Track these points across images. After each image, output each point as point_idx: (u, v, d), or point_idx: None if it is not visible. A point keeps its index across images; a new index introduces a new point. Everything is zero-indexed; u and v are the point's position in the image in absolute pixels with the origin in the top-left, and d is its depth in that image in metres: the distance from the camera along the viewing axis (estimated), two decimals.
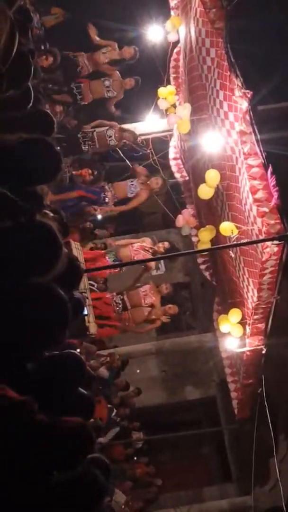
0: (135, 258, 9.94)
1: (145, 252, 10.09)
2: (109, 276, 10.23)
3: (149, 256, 10.07)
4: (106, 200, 10.31)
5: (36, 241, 2.40)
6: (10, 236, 2.40)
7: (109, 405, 10.00)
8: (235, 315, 7.68)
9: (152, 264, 10.76)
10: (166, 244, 10.39)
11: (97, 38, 10.36)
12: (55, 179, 3.04)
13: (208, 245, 8.21)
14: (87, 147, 10.22)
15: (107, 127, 10.37)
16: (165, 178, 10.62)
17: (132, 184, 10.43)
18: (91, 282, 9.30)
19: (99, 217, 10.68)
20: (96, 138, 10.23)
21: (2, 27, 2.04)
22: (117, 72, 10.32)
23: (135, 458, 11.35)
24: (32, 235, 2.41)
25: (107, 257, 9.89)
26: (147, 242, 10.36)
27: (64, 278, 2.53)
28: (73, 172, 10.01)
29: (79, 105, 10.36)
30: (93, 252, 9.99)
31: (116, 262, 9.86)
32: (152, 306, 10.08)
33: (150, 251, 10.14)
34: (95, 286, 9.62)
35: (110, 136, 10.30)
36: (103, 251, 10.07)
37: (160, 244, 10.34)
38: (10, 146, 2.73)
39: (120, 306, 9.75)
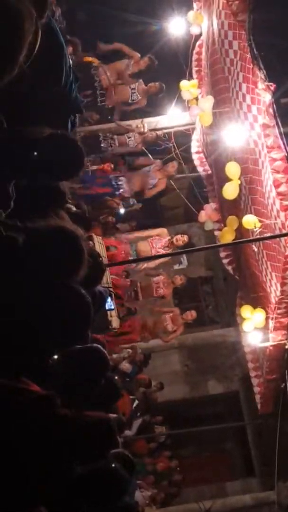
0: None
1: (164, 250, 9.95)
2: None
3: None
4: (121, 191, 10.24)
5: (62, 249, 2.41)
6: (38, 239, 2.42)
7: (131, 396, 10.01)
8: (258, 314, 7.67)
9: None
10: (185, 237, 9.96)
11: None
12: (78, 176, 3.04)
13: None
14: (106, 146, 10.22)
15: (128, 133, 10.40)
16: (181, 163, 10.53)
17: (150, 174, 10.39)
18: (113, 276, 9.28)
19: (122, 211, 10.67)
20: (116, 140, 10.27)
21: (29, 26, 2.00)
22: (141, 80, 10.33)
23: (158, 452, 11.37)
24: (57, 242, 2.42)
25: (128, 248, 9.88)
26: (163, 234, 10.19)
27: (87, 275, 2.53)
28: (94, 167, 10.01)
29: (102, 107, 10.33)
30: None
31: (135, 257, 9.80)
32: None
33: (170, 247, 9.98)
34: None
35: (130, 137, 10.33)
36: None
37: (179, 237, 9.92)
38: (34, 140, 2.73)
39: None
